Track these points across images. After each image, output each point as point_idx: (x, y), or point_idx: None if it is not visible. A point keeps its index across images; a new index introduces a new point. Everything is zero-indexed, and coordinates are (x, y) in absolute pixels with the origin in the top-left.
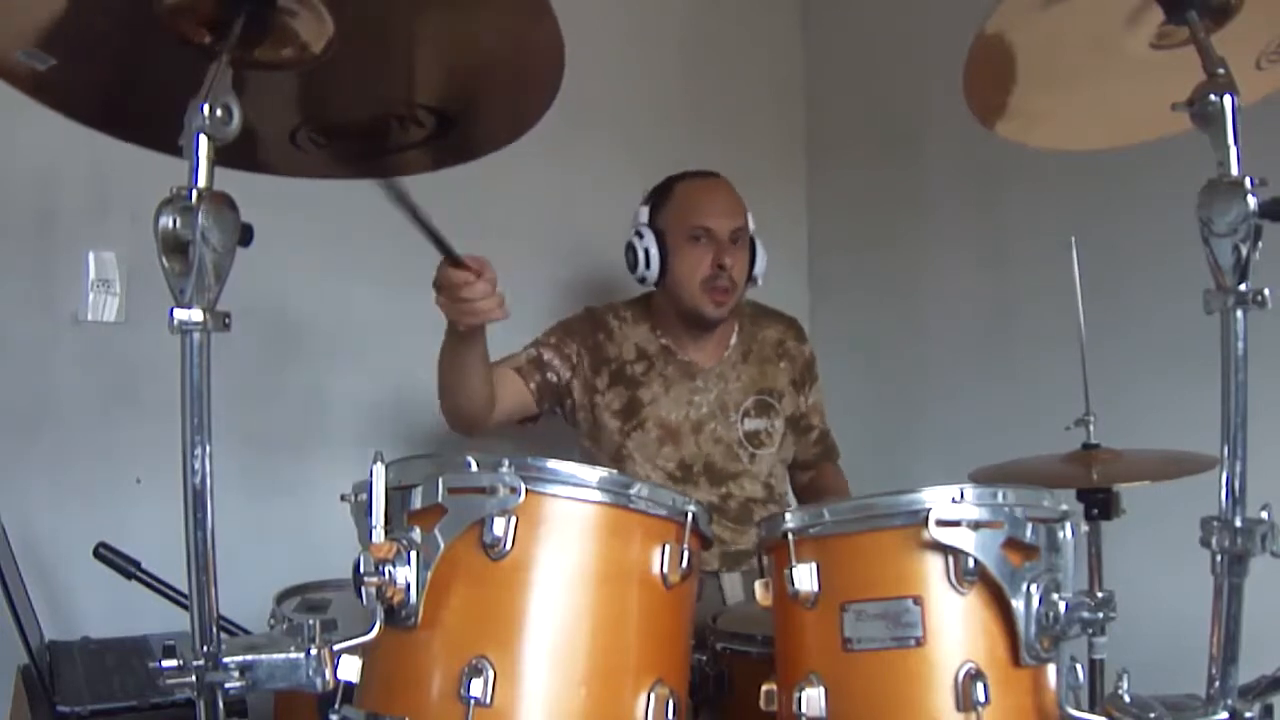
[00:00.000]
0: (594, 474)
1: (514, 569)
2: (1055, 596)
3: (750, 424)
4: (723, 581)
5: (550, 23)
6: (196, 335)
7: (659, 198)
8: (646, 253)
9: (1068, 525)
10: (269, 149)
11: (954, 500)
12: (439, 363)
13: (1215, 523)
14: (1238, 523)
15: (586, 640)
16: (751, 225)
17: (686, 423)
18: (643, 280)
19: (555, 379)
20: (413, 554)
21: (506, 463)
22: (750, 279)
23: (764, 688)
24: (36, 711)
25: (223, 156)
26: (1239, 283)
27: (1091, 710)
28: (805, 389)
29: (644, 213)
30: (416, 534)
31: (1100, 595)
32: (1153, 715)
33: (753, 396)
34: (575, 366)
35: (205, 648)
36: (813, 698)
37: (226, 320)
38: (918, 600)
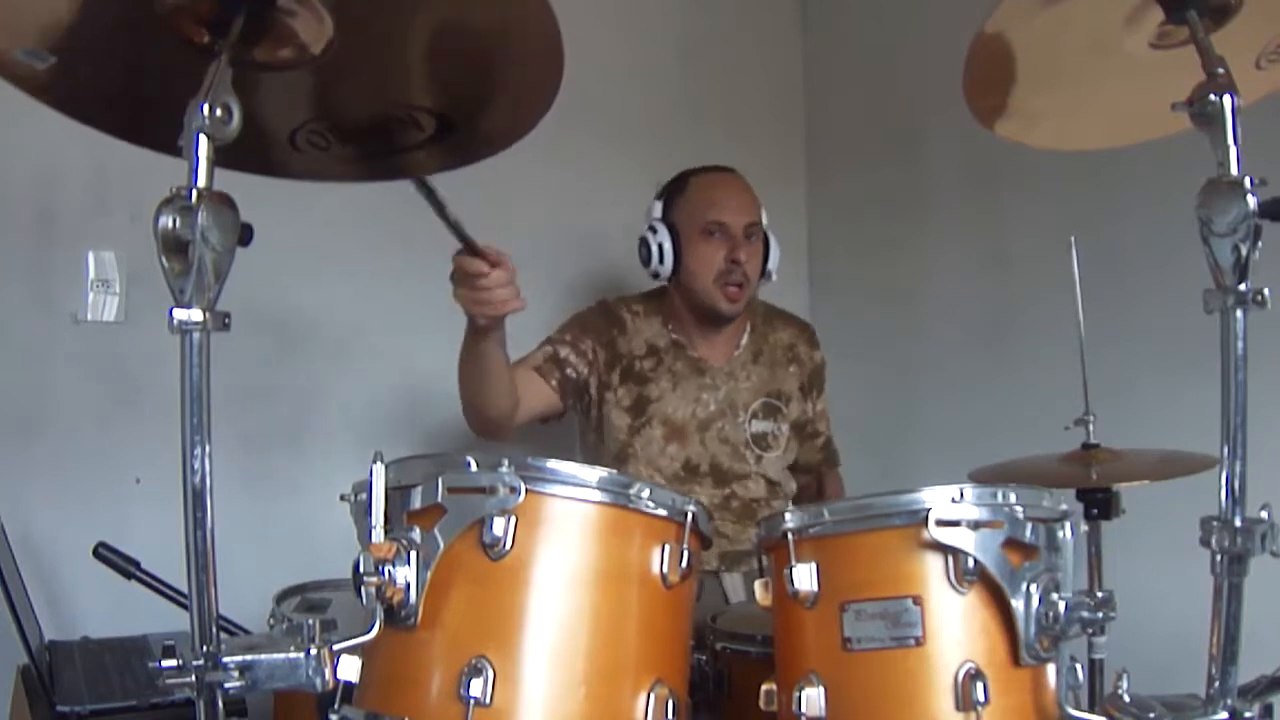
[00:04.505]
0: (594, 474)
1: (514, 569)
2: (1055, 596)
3: (758, 426)
4: (724, 581)
5: (550, 24)
6: (196, 335)
7: (673, 192)
8: (660, 248)
9: (1067, 525)
10: (269, 151)
11: (954, 500)
12: (460, 365)
13: (1215, 523)
14: (1238, 523)
15: (586, 640)
16: (765, 220)
17: (693, 421)
18: (656, 275)
19: (575, 375)
20: (412, 554)
21: (506, 463)
22: (764, 274)
23: (764, 687)
24: (36, 711)
25: (223, 158)
26: (1239, 283)
27: (1091, 710)
28: (813, 395)
29: (657, 207)
30: (416, 534)
31: (1100, 595)
32: (1152, 715)
33: (761, 398)
34: (592, 363)
35: (205, 648)
36: (812, 697)
37: (226, 320)
38: (917, 600)
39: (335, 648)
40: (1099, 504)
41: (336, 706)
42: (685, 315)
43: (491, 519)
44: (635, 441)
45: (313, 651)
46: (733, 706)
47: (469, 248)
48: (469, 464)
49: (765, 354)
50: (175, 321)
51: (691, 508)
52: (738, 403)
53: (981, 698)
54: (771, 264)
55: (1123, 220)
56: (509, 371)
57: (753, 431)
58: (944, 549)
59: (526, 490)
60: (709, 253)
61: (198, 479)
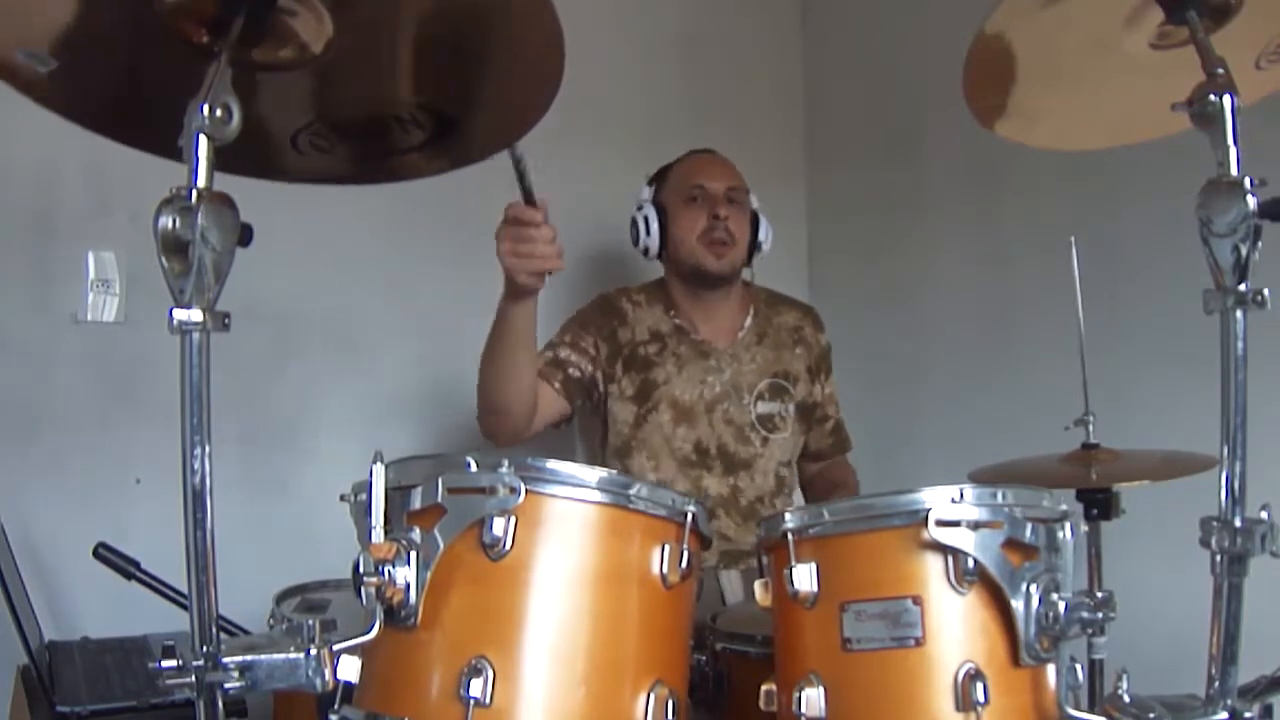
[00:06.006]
0: (593, 474)
1: (513, 569)
2: (1055, 596)
3: (763, 407)
4: (721, 579)
5: (551, 24)
6: (196, 335)
7: (660, 177)
8: (646, 220)
9: (1067, 525)
10: (272, 154)
11: (954, 500)
12: (485, 350)
13: (1215, 523)
14: (1238, 523)
15: (586, 640)
16: (755, 202)
17: (700, 402)
18: (646, 251)
19: (579, 374)
20: (412, 554)
21: (506, 463)
22: (755, 245)
23: (763, 687)
24: (36, 711)
25: (226, 162)
26: (1239, 283)
27: (1091, 710)
28: (821, 378)
29: (646, 191)
30: (416, 534)
31: (1100, 595)
32: (1152, 715)
33: (766, 379)
34: (595, 359)
35: (205, 648)
36: (812, 698)
37: (226, 320)
38: (917, 600)
39: (335, 648)
40: (1099, 504)
41: (336, 707)
42: (683, 294)
43: (491, 519)
44: (642, 430)
45: (313, 652)
46: (733, 706)
47: (527, 198)
48: (469, 464)
49: (770, 336)
50: (175, 321)
51: (691, 508)
52: (742, 384)
53: (981, 698)
54: (762, 235)
55: (1123, 220)
56: (533, 357)
57: (758, 413)
58: (944, 549)
59: (526, 490)
60: (692, 216)
61: (198, 479)
